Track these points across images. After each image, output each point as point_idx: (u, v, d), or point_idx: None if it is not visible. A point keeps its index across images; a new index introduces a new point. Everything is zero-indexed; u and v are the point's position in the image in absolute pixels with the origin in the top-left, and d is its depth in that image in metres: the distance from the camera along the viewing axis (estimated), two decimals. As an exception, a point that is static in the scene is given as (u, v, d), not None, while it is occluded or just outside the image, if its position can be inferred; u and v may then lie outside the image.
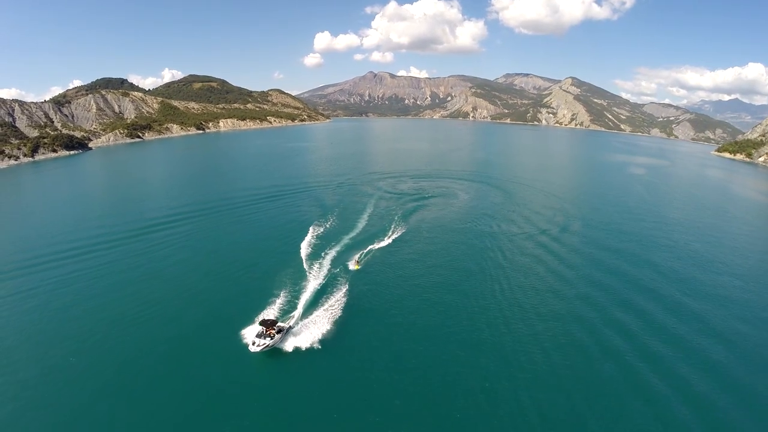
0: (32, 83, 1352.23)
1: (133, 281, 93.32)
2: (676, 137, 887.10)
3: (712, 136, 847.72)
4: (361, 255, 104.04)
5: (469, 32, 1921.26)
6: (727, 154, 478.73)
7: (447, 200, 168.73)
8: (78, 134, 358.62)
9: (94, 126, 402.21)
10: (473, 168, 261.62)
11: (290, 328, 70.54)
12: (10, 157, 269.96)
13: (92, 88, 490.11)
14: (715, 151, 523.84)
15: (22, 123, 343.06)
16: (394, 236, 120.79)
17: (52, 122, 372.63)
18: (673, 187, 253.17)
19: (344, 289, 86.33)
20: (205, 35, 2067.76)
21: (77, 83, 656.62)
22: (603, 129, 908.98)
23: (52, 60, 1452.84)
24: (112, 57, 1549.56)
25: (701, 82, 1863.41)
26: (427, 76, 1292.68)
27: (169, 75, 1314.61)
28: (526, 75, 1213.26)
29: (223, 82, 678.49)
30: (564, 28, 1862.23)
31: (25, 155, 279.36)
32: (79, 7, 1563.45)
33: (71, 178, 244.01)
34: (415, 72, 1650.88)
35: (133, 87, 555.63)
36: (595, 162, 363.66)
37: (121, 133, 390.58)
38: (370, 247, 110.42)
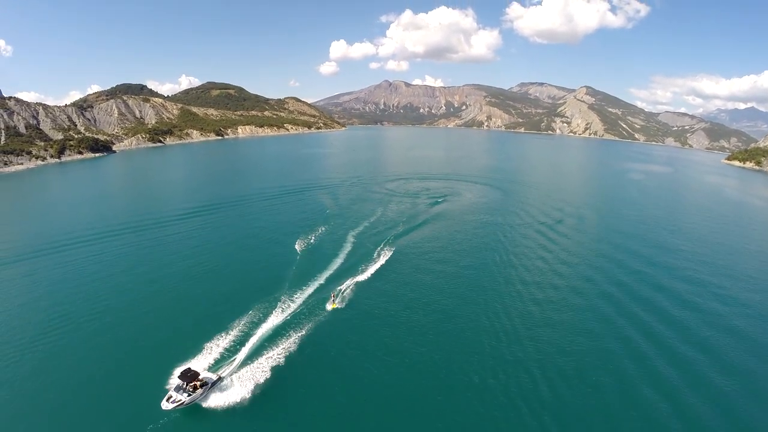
0: (51, 87, 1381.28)
1: (87, 286, 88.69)
2: (691, 146, 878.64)
3: (726, 145, 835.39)
4: (342, 288, 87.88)
5: (483, 41, 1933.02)
6: (736, 162, 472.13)
7: (452, 217, 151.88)
8: (102, 137, 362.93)
9: (116, 130, 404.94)
10: (485, 175, 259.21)
11: (219, 379, 58.89)
12: (37, 158, 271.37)
13: (113, 93, 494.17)
14: (725, 159, 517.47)
15: (46, 126, 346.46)
16: (387, 262, 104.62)
17: (75, 126, 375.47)
18: (667, 190, 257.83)
19: (308, 327, 73.35)
20: (222, 43, 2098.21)
21: (96, 88, 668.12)
22: (617, 138, 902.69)
23: (71, 65, 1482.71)
24: (129, 63, 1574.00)
25: (717, 90, 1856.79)
26: (441, 84, 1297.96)
27: (186, 82, 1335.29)
28: (541, 84, 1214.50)
29: (241, 90, 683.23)
30: (578, 36, 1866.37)
31: (51, 156, 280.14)
32: (97, 13, 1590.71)
33: (102, 177, 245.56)
34: (430, 81, 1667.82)
35: (153, 93, 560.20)
36: (601, 169, 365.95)
37: (143, 138, 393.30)
38: (356, 277, 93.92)
